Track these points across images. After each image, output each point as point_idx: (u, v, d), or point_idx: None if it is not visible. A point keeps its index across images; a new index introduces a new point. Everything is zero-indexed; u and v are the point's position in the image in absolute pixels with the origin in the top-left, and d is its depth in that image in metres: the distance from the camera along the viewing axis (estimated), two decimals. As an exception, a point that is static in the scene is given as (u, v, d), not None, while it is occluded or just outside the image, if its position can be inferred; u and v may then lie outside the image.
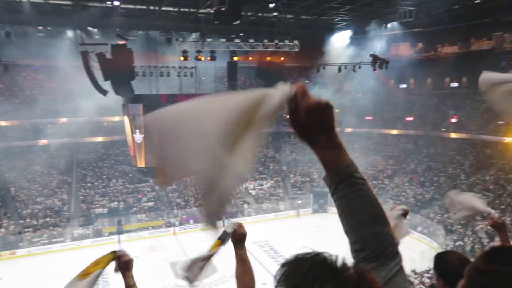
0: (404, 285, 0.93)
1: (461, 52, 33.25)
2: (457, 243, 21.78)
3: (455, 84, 34.14)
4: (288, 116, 0.93)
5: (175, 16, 25.42)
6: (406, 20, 26.03)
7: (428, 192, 27.84)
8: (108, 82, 20.94)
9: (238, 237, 2.09)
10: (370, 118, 34.23)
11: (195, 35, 25.70)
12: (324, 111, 0.93)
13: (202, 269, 2.04)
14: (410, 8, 25.04)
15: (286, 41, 26.57)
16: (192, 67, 25.72)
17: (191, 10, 24.61)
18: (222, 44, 25.86)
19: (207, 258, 2.06)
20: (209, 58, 24.74)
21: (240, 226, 2.11)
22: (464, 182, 27.16)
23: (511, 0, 27.26)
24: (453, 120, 31.55)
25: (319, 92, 33.12)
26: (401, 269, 0.95)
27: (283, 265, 0.73)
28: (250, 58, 28.00)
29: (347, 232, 1.00)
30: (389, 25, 31.36)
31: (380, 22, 31.00)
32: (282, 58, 27.24)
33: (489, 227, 21.30)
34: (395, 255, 0.96)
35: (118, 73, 20.18)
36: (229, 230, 2.08)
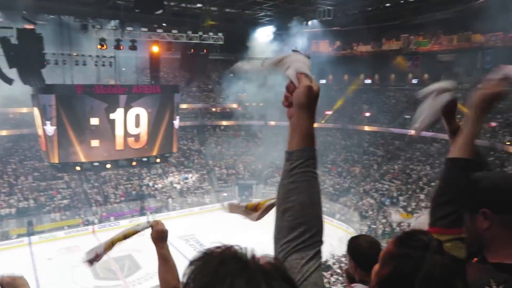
0: (321, 278, 0.95)
1: (373, 51, 35.86)
2: (371, 227, 23.62)
3: (368, 81, 36.75)
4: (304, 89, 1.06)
5: (91, 2, 23.77)
6: (325, 18, 27.31)
7: (345, 182, 29.74)
8: (14, 70, 18.94)
9: (157, 235, 2.01)
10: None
11: (114, 23, 24.29)
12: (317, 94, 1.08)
13: (101, 253, 1.96)
14: (328, 7, 26.30)
15: (211, 34, 26.34)
16: (111, 57, 24.30)
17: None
18: (143, 33, 24.81)
19: (108, 247, 1.98)
20: (129, 48, 23.59)
21: (157, 223, 2.02)
22: (377, 172, 29.50)
23: (416, 5, 30.04)
24: (367, 114, 33.98)
25: (244, 87, 33.45)
26: (320, 263, 0.97)
27: (190, 263, 0.68)
28: (173, 50, 27.23)
29: (289, 209, 0.97)
30: (309, 23, 32.69)
31: (301, 19, 32.20)
32: (205, 51, 26.96)
33: (399, 217, 23.44)
34: (320, 242, 0.98)
35: (25, 60, 18.35)
36: (146, 226, 2.00)
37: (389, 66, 35.09)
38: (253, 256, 0.68)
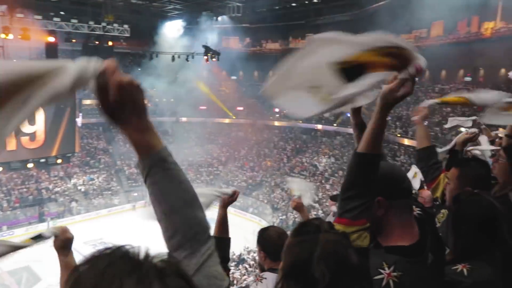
0: (215, 268, 0.94)
1: (281, 49, 37.23)
2: (281, 218, 24.60)
3: (277, 78, 38.03)
4: (95, 93, 0.86)
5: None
6: (235, 15, 27.56)
7: (257, 176, 30.50)
8: None
9: (62, 243, 1.82)
10: (205, 107, 35.27)
11: (1, 8, 21.56)
12: (136, 89, 0.89)
13: None
14: (238, 4, 26.58)
15: (115, 25, 24.86)
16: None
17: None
18: (37, 21, 22.44)
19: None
20: (21, 37, 21.15)
21: (64, 230, 1.83)
22: (287, 165, 30.79)
23: (319, 7, 31.90)
24: (277, 109, 35.21)
25: (154, 82, 32.29)
26: (213, 253, 0.95)
27: (75, 268, 0.62)
28: (74, 41, 25.08)
29: (159, 220, 0.95)
30: (219, 18, 32.70)
31: (211, 15, 32.05)
32: (110, 43, 25.39)
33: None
34: (207, 240, 0.95)
35: None
36: (48, 234, 1.78)
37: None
38: (147, 255, 0.63)
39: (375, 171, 1.28)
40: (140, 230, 20.05)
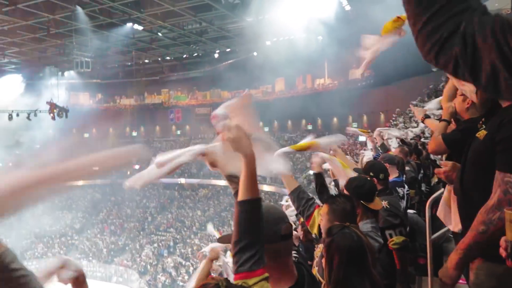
0: None
1: (137, 104, 36.62)
2: (149, 282, 22.87)
3: (135, 133, 36.93)
4: None
5: None
6: (84, 70, 26.16)
7: (120, 240, 28.09)
8: None
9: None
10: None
11: None
12: None
13: None
14: (86, 59, 25.39)
15: None
16: None
17: None
18: None
19: None
20: None
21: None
22: (152, 223, 29.26)
23: (173, 63, 32.80)
24: (136, 167, 33.75)
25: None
26: None
27: None
28: None
29: None
30: (66, 73, 30.59)
31: (55, 70, 29.77)
32: None
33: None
34: None
35: None
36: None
37: (154, 118, 36.44)
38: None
39: (259, 216, 1.28)
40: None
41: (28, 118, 26.35)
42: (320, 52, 23.94)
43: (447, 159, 2.42)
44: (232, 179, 1.97)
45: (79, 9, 18.78)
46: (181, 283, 21.26)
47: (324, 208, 2.22)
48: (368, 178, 2.70)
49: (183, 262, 23.42)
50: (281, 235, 1.42)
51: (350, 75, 29.39)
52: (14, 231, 26.70)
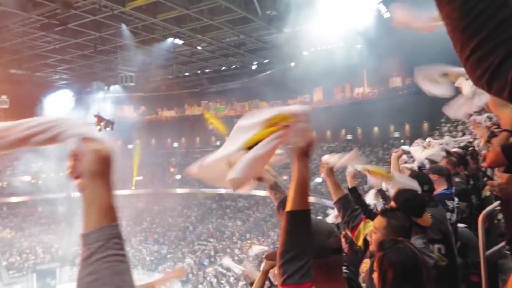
0: None
1: (178, 116, 37.64)
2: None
3: (176, 144, 37.91)
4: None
5: None
6: (128, 84, 27.35)
7: (162, 248, 28.74)
8: None
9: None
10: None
11: None
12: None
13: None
14: (130, 73, 26.54)
15: (-9, 97, 22.69)
16: None
17: None
18: None
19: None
20: None
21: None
22: (193, 232, 29.74)
23: (212, 76, 33.51)
24: (178, 177, 34.55)
25: (38, 157, 29.51)
26: None
27: None
28: None
29: None
30: (111, 88, 32.09)
31: (101, 84, 31.35)
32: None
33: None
34: None
35: None
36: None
37: (194, 129, 37.26)
38: None
39: (308, 228, 1.25)
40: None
41: (77, 130, 27.78)
42: (359, 60, 23.60)
43: (505, 171, 2.27)
44: (278, 188, 1.96)
45: (123, 26, 19.70)
46: (222, 293, 21.41)
47: (381, 222, 2.09)
48: (419, 192, 2.57)
49: (224, 272, 23.54)
50: (333, 249, 1.40)
51: (390, 83, 28.71)
52: (66, 237, 28.11)
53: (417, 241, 2.22)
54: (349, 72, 25.69)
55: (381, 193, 4.32)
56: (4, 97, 23.24)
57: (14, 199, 30.85)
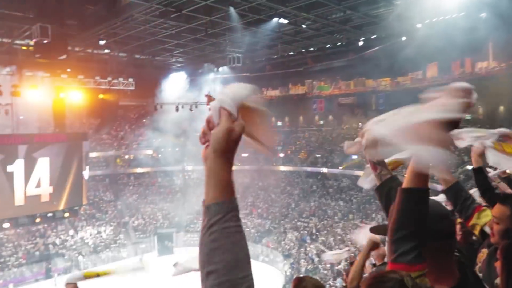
0: None
1: (282, 96, 38.17)
2: (292, 265, 23.94)
3: (280, 123, 38.68)
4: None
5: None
6: (235, 65, 28.56)
7: (266, 223, 30.08)
8: None
9: None
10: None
11: (10, 68, 22.56)
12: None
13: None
14: (237, 55, 27.62)
15: (121, 79, 25.80)
16: (7, 104, 22.26)
17: (4, 40, 21.83)
18: (45, 79, 23.35)
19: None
20: (30, 94, 21.93)
21: None
22: (295, 209, 30.44)
23: (316, 54, 33.03)
24: (281, 155, 35.37)
25: (159, 133, 32.82)
26: None
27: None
28: (81, 96, 25.94)
29: (213, 272, 0.85)
30: (220, 69, 33.91)
31: (212, 66, 33.34)
32: (116, 97, 26.23)
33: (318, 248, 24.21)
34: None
35: None
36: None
37: (297, 108, 37.49)
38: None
39: (424, 209, 1.20)
40: (149, 281, 19.59)
41: (190, 109, 30.25)
42: (483, 32, 20.89)
43: None
44: (385, 165, 1.90)
45: (231, 9, 20.52)
46: (323, 271, 21.68)
47: (503, 211, 1.93)
48: None
49: (326, 250, 23.76)
50: (446, 233, 1.35)
51: (521, 55, 24.89)
52: (181, 206, 31.21)
53: None
54: (470, 45, 22.96)
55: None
56: (131, 79, 26.20)
57: (139, 170, 35.11)
